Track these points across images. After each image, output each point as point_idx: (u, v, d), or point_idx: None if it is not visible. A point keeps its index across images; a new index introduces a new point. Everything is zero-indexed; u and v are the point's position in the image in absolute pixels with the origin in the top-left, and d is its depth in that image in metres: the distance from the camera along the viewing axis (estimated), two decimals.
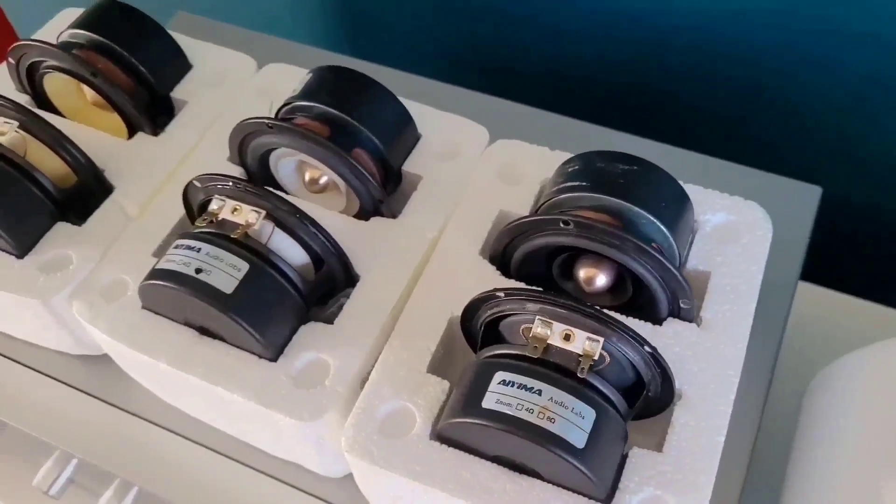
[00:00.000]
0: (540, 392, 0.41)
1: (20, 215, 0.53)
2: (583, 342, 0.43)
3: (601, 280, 0.49)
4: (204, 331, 0.49)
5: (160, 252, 0.53)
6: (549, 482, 0.43)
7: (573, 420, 0.41)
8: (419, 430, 0.45)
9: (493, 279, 0.50)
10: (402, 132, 0.56)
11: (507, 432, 0.41)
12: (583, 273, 0.50)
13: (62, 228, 0.55)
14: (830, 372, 0.53)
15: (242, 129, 0.54)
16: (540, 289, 0.46)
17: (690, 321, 0.48)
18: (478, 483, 0.43)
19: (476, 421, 0.41)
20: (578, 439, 0.40)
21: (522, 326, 0.45)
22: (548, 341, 0.43)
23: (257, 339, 0.47)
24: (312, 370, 0.48)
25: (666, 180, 0.50)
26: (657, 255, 0.45)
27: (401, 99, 0.56)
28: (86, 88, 0.60)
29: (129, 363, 0.54)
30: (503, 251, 0.51)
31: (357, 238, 0.52)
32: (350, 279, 0.51)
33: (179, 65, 0.62)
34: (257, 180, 0.57)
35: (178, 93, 0.62)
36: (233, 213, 0.49)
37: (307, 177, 0.56)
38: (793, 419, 0.59)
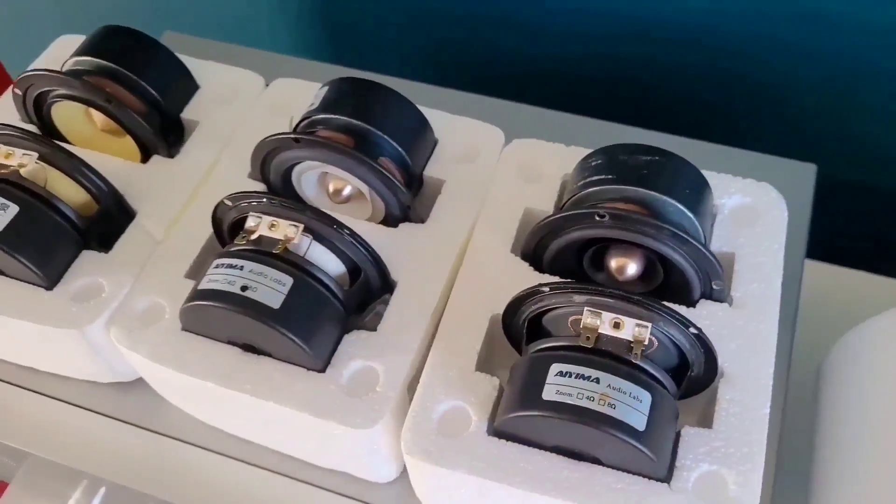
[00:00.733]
0: (598, 380, 0.43)
1: (47, 246, 0.53)
2: (632, 329, 0.44)
3: (632, 269, 0.51)
4: (248, 348, 0.50)
5: (193, 273, 0.54)
6: (609, 467, 0.44)
7: (632, 404, 0.42)
8: (475, 427, 0.46)
9: (527, 276, 0.52)
10: (422, 138, 0.57)
11: (570, 421, 0.42)
12: (614, 263, 0.51)
13: (89, 257, 0.54)
14: (849, 340, 0.55)
15: (266, 146, 0.54)
16: (584, 282, 0.48)
17: (722, 301, 0.50)
18: (539, 474, 0.44)
19: (538, 413, 0.43)
20: (639, 422, 0.42)
21: (571, 318, 0.46)
22: (599, 330, 0.44)
23: (307, 351, 0.47)
24: (361, 378, 0.49)
25: (687, 168, 0.52)
26: (692, 240, 0.47)
27: None
28: (95, 115, 0.60)
29: (168, 387, 0.54)
30: (535, 247, 0.52)
31: (389, 245, 0.53)
32: (387, 286, 0.52)
33: (187, 85, 0.62)
34: (279, 194, 0.57)
35: (187, 113, 0.62)
36: (270, 228, 0.49)
37: (331, 188, 0.57)
38: (808, 390, 0.61)
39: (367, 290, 0.52)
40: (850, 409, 0.54)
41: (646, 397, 0.43)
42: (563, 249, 0.51)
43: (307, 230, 0.49)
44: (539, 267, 0.53)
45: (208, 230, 0.55)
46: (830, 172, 0.69)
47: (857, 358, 0.54)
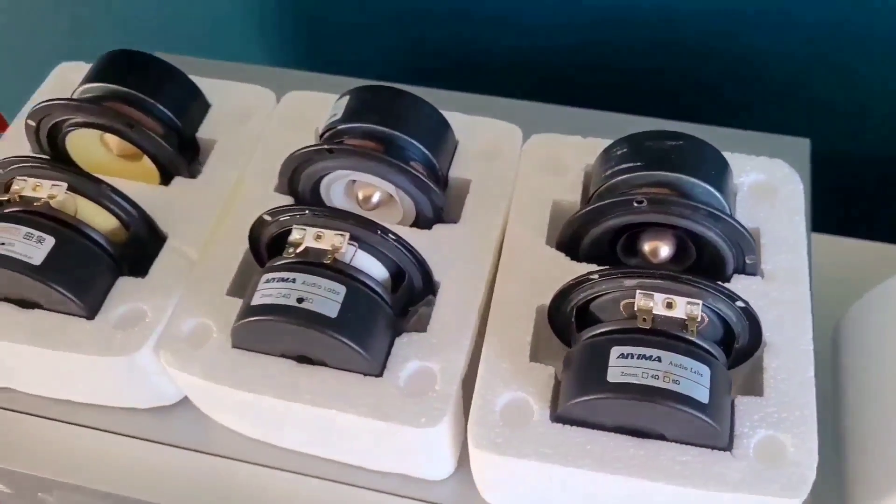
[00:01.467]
0: (659, 359, 0.44)
1: (85, 276, 0.52)
2: (684, 307, 0.46)
3: (665, 250, 0.53)
4: (302, 359, 0.50)
5: (235, 290, 0.54)
6: (673, 441, 0.46)
7: (694, 379, 0.44)
8: (538, 415, 0.48)
9: (565, 266, 0.53)
10: (445, 140, 0.58)
11: (639, 401, 0.44)
12: (647, 246, 0.53)
13: (126, 283, 0.54)
14: (863, 306, 0.58)
15: (297, 159, 0.55)
16: (631, 266, 0.49)
17: (754, 275, 0.53)
18: (606, 454, 0.46)
19: (607, 395, 0.44)
20: (702, 395, 0.44)
21: (623, 302, 0.48)
22: (653, 311, 0.46)
23: (365, 357, 0.48)
24: (418, 379, 0.50)
25: (709, 150, 0.54)
26: (727, 217, 0.49)
27: None
28: (111, 141, 0.60)
29: (220, 405, 0.55)
30: (571, 237, 0.54)
31: (428, 247, 0.54)
32: (429, 288, 0.53)
33: (201, 105, 0.62)
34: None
35: (202, 132, 0.62)
36: (316, 239, 0.50)
37: (360, 195, 0.57)
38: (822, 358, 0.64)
39: (411, 293, 0.53)
40: (872, 371, 0.56)
41: (705, 371, 0.45)
42: (599, 237, 0.53)
43: (353, 238, 0.50)
44: (575, 256, 0.54)
45: (243, 247, 0.55)
46: (822, 145, 0.73)
47: (873, 322, 0.56)
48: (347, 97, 0.57)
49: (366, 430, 0.49)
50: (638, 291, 0.46)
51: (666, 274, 0.46)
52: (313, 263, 0.49)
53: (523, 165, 0.59)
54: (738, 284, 0.52)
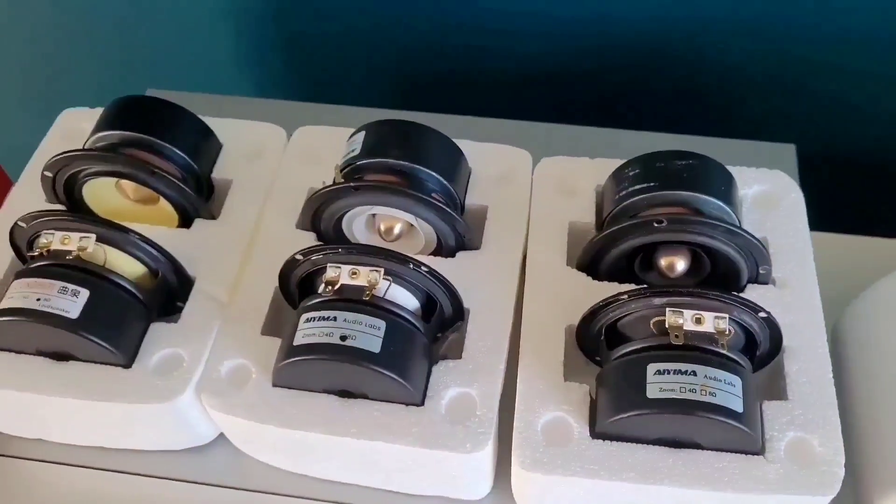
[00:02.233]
0: (695, 373, 0.47)
1: (121, 326, 0.53)
2: (712, 321, 0.48)
3: (681, 265, 0.55)
4: (344, 393, 0.52)
5: (269, 329, 0.55)
6: (709, 449, 0.49)
7: (728, 390, 0.46)
8: (578, 433, 0.50)
9: (588, 286, 0.55)
10: (461, 168, 0.60)
11: (680, 414, 0.46)
12: (664, 262, 0.55)
13: (159, 329, 0.55)
14: (863, 302, 0.61)
15: (321, 197, 0.56)
16: (659, 285, 0.52)
17: (767, 283, 0.55)
18: (648, 466, 0.48)
19: (648, 411, 0.46)
20: (737, 405, 0.46)
21: (653, 320, 0.50)
22: (684, 327, 0.48)
23: (409, 388, 0.50)
24: (459, 405, 0.51)
25: (716, 167, 0.57)
26: (743, 232, 0.52)
27: None
28: (127, 186, 0.60)
29: (261, 443, 0.55)
30: (592, 258, 0.56)
31: (454, 274, 0.55)
32: (459, 314, 0.55)
33: (214, 145, 0.63)
34: (332, 241, 0.59)
35: (217, 172, 0.63)
36: (352, 276, 0.51)
37: (382, 227, 0.59)
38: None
39: (442, 321, 0.55)
40: (876, 368, 0.59)
41: (737, 381, 0.47)
42: (619, 256, 0.55)
43: (387, 273, 0.52)
44: (595, 275, 0.56)
45: (272, 285, 0.56)
46: (807, 148, 0.76)
47: (875, 317, 0.59)
48: (363, 132, 0.59)
49: (411, 458, 0.51)
50: (668, 309, 0.49)
51: (694, 291, 0.49)
52: (352, 300, 0.50)
53: (536, 189, 0.61)
54: (754, 293, 0.55)
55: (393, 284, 0.52)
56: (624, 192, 0.56)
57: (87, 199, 0.61)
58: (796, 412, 0.50)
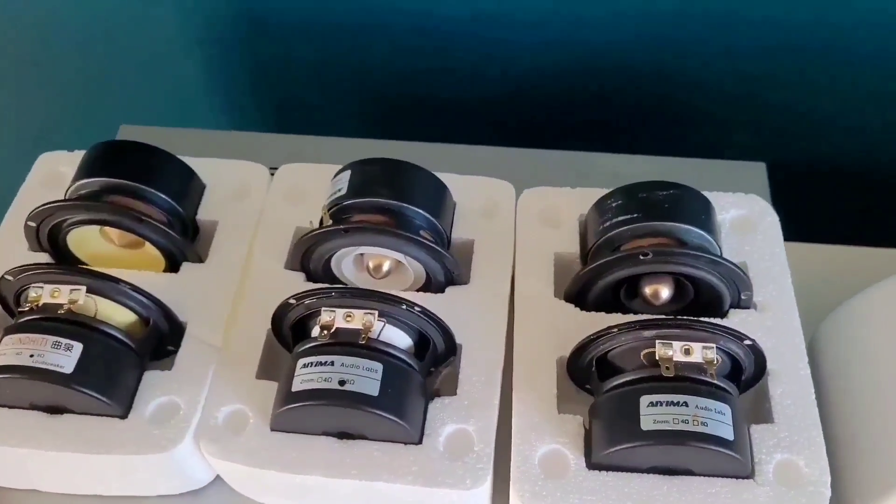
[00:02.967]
0: (686, 404, 0.48)
1: (115, 377, 0.53)
2: (700, 352, 0.50)
3: (665, 293, 0.57)
4: (342, 435, 0.52)
5: (264, 373, 0.55)
6: (701, 475, 0.50)
7: (719, 419, 0.48)
8: (574, 464, 0.51)
9: (576, 316, 0.57)
10: (446, 204, 0.61)
11: (673, 445, 0.47)
12: (648, 290, 0.57)
13: (153, 377, 0.55)
14: (841, 316, 0.63)
15: (310, 239, 0.56)
16: (648, 316, 0.53)
17: (748, 308, 0.57)
18: (644, 494, 0.50)
19: (643, 442, 0.48)
20: (728, 433, 0.48)
21: (644, 352, 0.51)
22: (674, 359, 0.50)
23: (407, 428, 0.51)
24: (456, 441, 0.52)
25: (695, 195, 0.58)
26: (725, 261, 0.54)
27: None
28: (112, 232, 0.60)
29: (260, 487, 0.56)
30: (579, 290, 0.57)
31: (445, 310, 0.56)
32: (452, 350, 0.56)
33: (197, 187, 0.63)
34: (322, 282, 0.59)
35: (201, 214, 0.63)
36: (346, 319, 0.52)
37: (371, 265, 0.59)
38: None
39: (435, 357, 0.56)
40: (854, 378, 0.61)
41: (727, 410, 0.49)
42: (605, 287, 0.57)
43: (381, 314, 0.52)
44: (583, 306, 0.58)
45: (265, 327, 0.57)
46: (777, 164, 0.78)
47: (854, 330, 0.62)
48: (349, 171, 0.59)
49: (411, 496, 0.52)
50: (658, 341, 0.50)
51: (682, 322, 0.50)
52: (348, 344, 0.51)
53: (520, 221, 0.62)
54: (737, 318, 0.56)
55: (387, 325, 0.53)
56: (608, 223, 0.57)
57: (72, 246, 0.61)
58: (782, 434, 0.52)
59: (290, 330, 0.56)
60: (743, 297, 0.56)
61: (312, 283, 0.59)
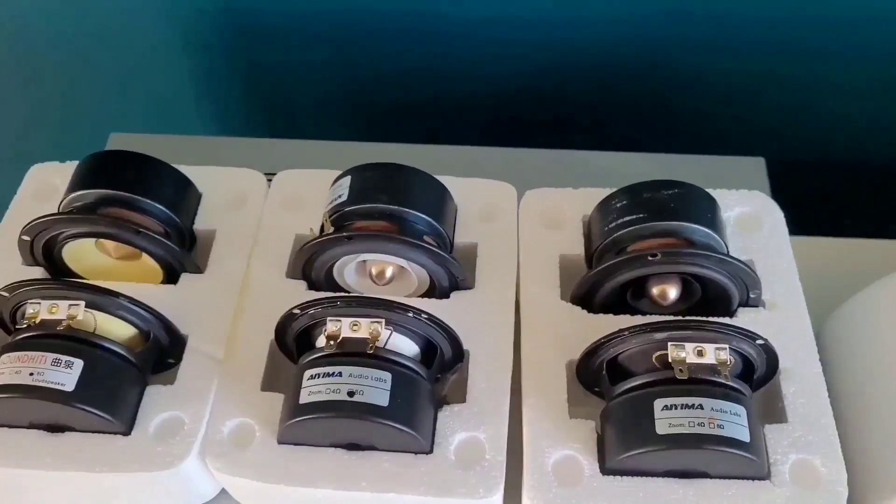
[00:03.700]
0: (701, 406, 0.47)
1: (117, 393, 0.52)
2: (713, 353, 0.49)
3: (673, 293, 0.56)
4: (351, 446, 0.51)
5: (268, 385, 0.54)
6: (716, 478, 0.50)
7: (735, 420, 0.47)
8: (588, 470, 0.50)
9: (584, 319, 0.56)
10: (448, 208, 0.60)
11: (690, 448, 0.47)
12: (656, 290, 0.56)
13: (156, 392, 0.54)
14: (846, 311, 0.63)
15: (313, 247, 0.55)
16: (658, 318, 0.53)
17: (757, 306, 0.57)
18: (660, 498, 0.49)
19: (660, 447, 0.47)
20: (744, 435, 0.47)
21: (655, 354, 0.51)
22: (687, 361, 0.49)
23: (418, 438, 0.50)
24: (468, 450, 0.51)
25: (700, 193, 0.58)
26: (733, 260, 0.53)
27: None
28: (108, 245, 0.59)
29: (269, 500, 0.55)
30: (587, 292, 0.56)
31: (451, 316, 0.55)
32: (459, 357, 0.55)
33: (193, 196, 0.62)
34: (324, 290, 0.58)
35: (199, 223, 0.62)
36: (353, 328, 0.51)
37: (374, 272, 0.58)
38: None
39: (442, 364, 0.55)
40: (862, 374, 0.61)
41: (742, 411, 0.48)
42: (612, 289, 0.56)
43: (387, 323, 0.51)
44: (590, 308, 0.57)
45: (268, 338, 0.55)
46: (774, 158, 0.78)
47: (862, 325, 0.61)
48: (349, 177, 0.58)
49: None
50: (670, 343, 0.50)
51: (693, 324, 0.50)
52: (356, 354, 0.50)
53: (523, 223, 0.61)
54: (746, 317, 0.56)
55: (394, 334, 0.52)
56: (613, 224, 0.57)
57: (68, 259, 0.59)
58: (797, 434, 0.51)
59: (294, 341, 0.55)
60: (752, 296, 0.56)
61: (314, 292, 0.58)
